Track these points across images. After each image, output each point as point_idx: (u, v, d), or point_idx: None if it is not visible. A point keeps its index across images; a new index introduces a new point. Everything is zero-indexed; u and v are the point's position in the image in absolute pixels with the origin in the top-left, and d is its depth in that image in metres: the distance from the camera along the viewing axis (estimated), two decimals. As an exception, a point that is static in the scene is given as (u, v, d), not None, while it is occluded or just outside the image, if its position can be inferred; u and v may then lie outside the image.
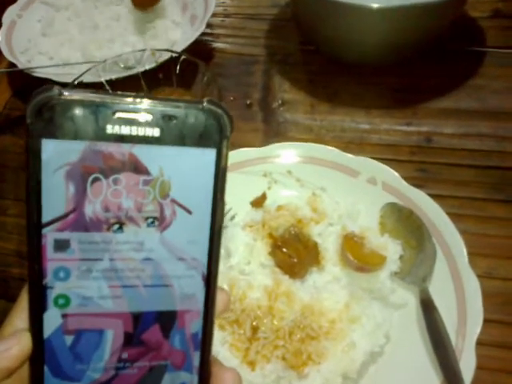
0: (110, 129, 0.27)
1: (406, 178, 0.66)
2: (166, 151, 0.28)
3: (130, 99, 0.27)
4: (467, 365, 0.50)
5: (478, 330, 0.52)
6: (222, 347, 0.54)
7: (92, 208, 0.27)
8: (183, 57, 0.80)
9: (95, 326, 0.29)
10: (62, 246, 0.27)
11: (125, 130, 0.27)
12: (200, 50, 0.91)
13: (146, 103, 0.27)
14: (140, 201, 0.28)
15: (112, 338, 0.29)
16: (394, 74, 0.86)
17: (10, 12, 0.98)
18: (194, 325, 0.30)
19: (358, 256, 0.58)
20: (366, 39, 0.84)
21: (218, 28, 1.02)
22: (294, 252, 0.58)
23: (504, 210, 0.68)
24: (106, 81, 0.80)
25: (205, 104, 0.28)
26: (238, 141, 0.78)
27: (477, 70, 0.86)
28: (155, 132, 0.27)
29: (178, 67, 0.81)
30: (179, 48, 0.86)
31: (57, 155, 0.26)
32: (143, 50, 0.82)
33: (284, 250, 0.58)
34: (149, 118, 0.27)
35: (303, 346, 0.53)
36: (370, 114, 0.82)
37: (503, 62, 0.87)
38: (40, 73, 0.87)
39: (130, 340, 0.29)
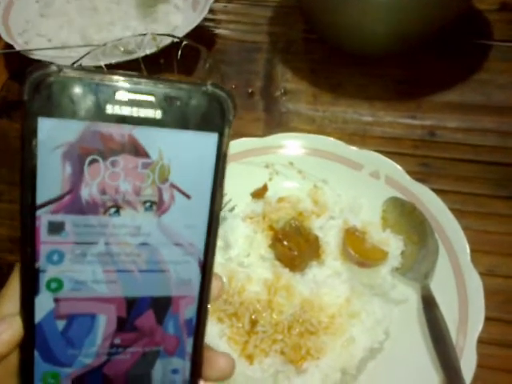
0: (110, 109, 0.26)
1: (408, 172, 0.66)
2: (166, 134, 0.27)
3: (131, 79, 0.26)
4: (468, 363, 0.50)
5: (480, 327, 0.52)
6: (221, 340, 0.53)
7: (88, 190, 0.26)
8: (185, 42, 0.79)
9: (88, 310, 0.28)
10: (56, 228, 0.27)
11: (125, 111, 0.26)
12: (202, 35, 0.89)
13: (148, 84, 0.26)
14: (138, 184, 0.27)
15: (105, 322, 0.28)
16: (399, 66, 0.85)
17: (8, -8, 0.96)
18: (189, 311, 0.30)
19: (360, 251, 0.57)
20: (370, 29, 0.82)
21: (221, 14, 1.00)
22: (294, 245, 0.57)
23: (507, 206, 0.67)
24: (106, 65, 0.78)
25: (208, 87, 0.27)
26: (239, 130, 0.76)
27: (482, 64, 0.85)
28: (156, 114, 0.26)
29: (179, 53, 0.79)
30: (180, 33, 0.84)
31: (54, 134, 0.25)
32: (144, 35, 0.81)
33: (284, 242, 0.57)
34: (150, 99, 0.26)
35: (302, 340, 0.52)
36: (373, 106, 0.81)
37: (509, 57, 0.86)
38: (38, 55, 0.85)
39: (123, 325, 0.29)
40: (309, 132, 0.74)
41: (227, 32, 0.97)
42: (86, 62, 0.76)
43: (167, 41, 0.79)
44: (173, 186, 0.28)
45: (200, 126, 0.27)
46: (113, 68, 0.78)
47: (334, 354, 0.52)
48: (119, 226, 0.28)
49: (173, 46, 0.79)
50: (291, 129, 0.78)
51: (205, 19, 0.90)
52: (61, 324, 0.28)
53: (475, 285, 0.55)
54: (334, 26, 0.87)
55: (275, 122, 0.80)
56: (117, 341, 0.29)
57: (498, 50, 0.87)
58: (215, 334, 0.54)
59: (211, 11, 0.96)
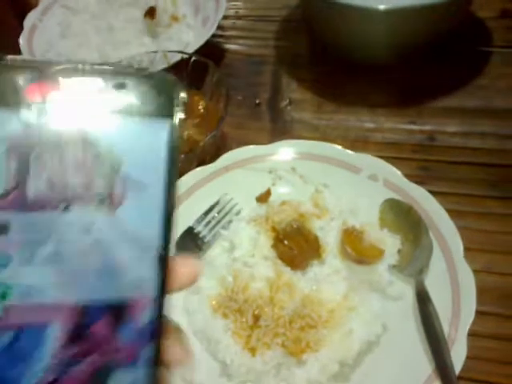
0: (55, 99, 0.24)
1: (408, 176, 0.68)
2: (115, 123, 0.25)
3: (75, 67, 0.25)
4: (458, 354, 0.52)
5: (471, 320, 0.54)
6: (225, 334, 0.57)
7: (35, 186, 0.24)
8: (194, 58, 0.83)
9: (38, 318, 0.25)
10: (1, 228, 0.24)
11: (71, 100, 0.25)
12: (211, 51, 0.93)
13: (93, 71, 0.25)
14: (89, 177, 0.25)
15: (57, 331, 0.26)
16: (400, 74, 0.88)
17: (31, 16, 1.03)
18: (147, 312, 0.28)
19: (357, 249, 0.60)
20: (372, 40, 0.85)
21: (230, 30, 1.06)
22: (294, 245, 0.61)
23: (503, 206, 0.69)
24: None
25: (154, 72, 0.27)
26: (245, 139, 0.80)
27: (481, 70, 0.88)
28: (103, 102, 0.25)
29: (188, 68, 0.84)
30: (191, 49, 0.89)
31: None
32: (156, 52, 0.86)
33: (285, 242, 0.61)
34: (96, 87, 0.25)
35: (302, 333, 0.55)
36: (374, 113, 0.84)
37: (508, 62, 0.88)
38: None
39: (77, 333, 0.26)
40: (312, 140, 0.77)
41: (236, 47, 1.02)
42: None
43: (178, 57, 0.84)
44: (126, 176, 0.26)
45: (149, 113, 0.26)
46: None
47: (332, 347, 0.55)
48: (70, 223, 0.25)
49: (183, 62, 0.84)
50: (295, 137, 0.81)
51: (215, 35, 0.94)
52: (7, 337, 0.25)
53: (468, 280, 0.57)
54: (337, 39, 0.91)
55: (280, 131, 0.84)
56: (71, 351, 0.26)
57: (497, 56, 0.89)
58: (220, 328, 0.57)
59: (220, 28, 1.01)
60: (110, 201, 0.26)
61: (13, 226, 0.25)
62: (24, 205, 0.25)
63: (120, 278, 0.27)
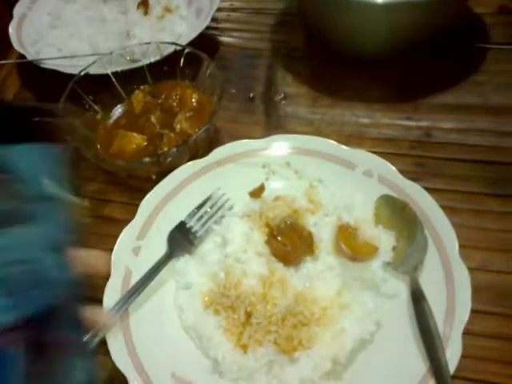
0: None
1: (404, 172, 0.67)
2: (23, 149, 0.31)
3: None
4: (453, 353, 0.51)
5: (466, 319, 0.53)
6: (217, 331, 0.56)
7: None
8: (187, 50, 0.82)
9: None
10: None
11: None
12: (206, 43, 0.92)
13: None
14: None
15: (16, 352, 0.27)
16: (396, 69, 0.87)
17: (21, 5, 1.01)
18: (74, 306, 0.32)
19: (351, 246, 0.59)
20: (369, 34, 0.84)
21: (224, 22, 1.04)
22: (288, 241, 0.60)
23: (500, 204, 0.69)
24: (112, 73, 0.82)
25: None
26: (238, 133, 0.79)
27: (479, 66, 0.87)
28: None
29: (182, 60, 0.83)
30: (185, 41, 0.87)
31: None
32: (148, 43, 0.84)
33: (279, 238, 0.60)
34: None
35: (295, 331, 0.54)
36: (370, 109, 0.83)
37: (505, 58, 0.87)
38: (48, 64, 0.89)
39: (35, 347, 0.28)
40: (307, 134, 0.75)
41: (230, 40, 1.00)
42: (93, 70, 0.80)
43: (171, 49, 0.83)
44: (43, 195, 0.31)
45: (45, 139, 0.32)
46: (119, 75, 0.82)
47: (324, 344, 0.54)
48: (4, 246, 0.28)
49: (176, 54, 0.82)
50: (289, 131, 0.80)
51: (209, 28, 0.93)
52: None
53: (463, 278, 0.56)
54: (334, 33, 0.90)
55: (274, 125, 0.83)
56: (34, 366, 0.27)
57: (494, 53, 0.88)
58: (212, 325, 0.56)
59: (215, 20, 0.99)
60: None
61: None
62: None
63: (49, 283, 0.29)
